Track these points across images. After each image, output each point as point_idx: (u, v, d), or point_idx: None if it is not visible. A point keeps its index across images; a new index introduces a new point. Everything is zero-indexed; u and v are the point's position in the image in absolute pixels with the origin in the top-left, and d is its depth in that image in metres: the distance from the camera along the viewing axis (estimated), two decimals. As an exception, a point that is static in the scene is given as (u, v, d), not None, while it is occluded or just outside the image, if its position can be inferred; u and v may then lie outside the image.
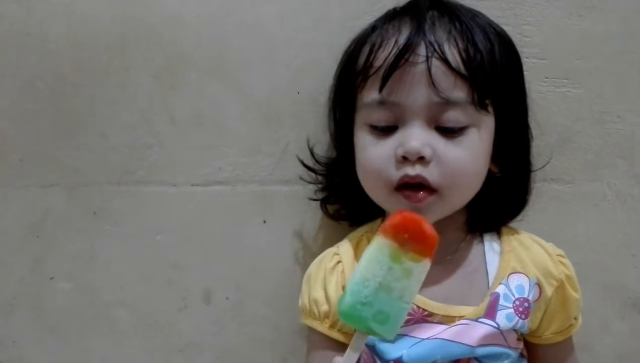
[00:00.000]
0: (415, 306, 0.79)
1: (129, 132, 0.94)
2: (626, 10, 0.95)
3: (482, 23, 0.81)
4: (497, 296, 0.80)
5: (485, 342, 0.79)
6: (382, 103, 0.78)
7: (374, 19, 0.85)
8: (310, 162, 0.92)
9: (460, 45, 0.77)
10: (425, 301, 0.80)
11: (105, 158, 0.94)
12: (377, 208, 0.86)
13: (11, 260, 0.94)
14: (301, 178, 0.94)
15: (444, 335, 0.79)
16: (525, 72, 0.86)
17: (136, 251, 0.95)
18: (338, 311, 0.71)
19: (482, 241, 0.85)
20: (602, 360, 0.98)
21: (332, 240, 0.90)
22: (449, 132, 0.77)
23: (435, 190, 0.77)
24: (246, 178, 0.95)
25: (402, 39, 0.78)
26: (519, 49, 0.85)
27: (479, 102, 0.77)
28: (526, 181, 0.87)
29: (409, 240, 0.68)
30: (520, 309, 0.80)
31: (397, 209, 0.78)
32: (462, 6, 0.83)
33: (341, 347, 0.81)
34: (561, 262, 0.83)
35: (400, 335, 0.79)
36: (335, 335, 0.83)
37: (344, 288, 0.82)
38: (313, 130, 0.93)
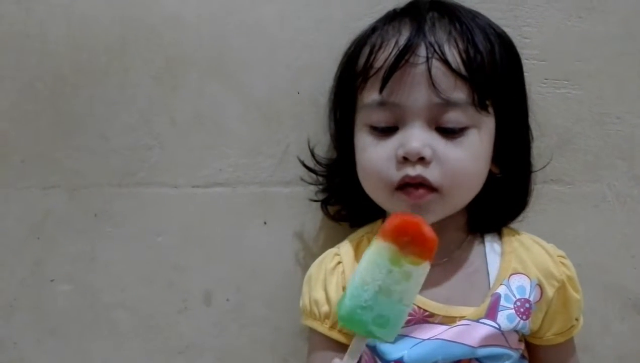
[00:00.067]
0: (416, 307, 0.79)
1: (129, 134, 0.94)
2: (626, 11, 0.95)
3: (482, 24, 0.81)
4: (498, 297, 0.80)
5: (486, 342, 0.79)
6: (382, 104, 0.78)
7: (374, 20, 0.85)
8: (310, 163, 0.92)
9: (461, 46, 0.77)
10: (426, 302, 0.80)
11: (105, 159, 0.94)
12: (378, 209, 0.86)
13: (12, 262, 0.94)
14: (302, 179, 0.94)
15: (445, 336, 0.79)
16: (525, 74, 0.86)
17: (137, 253, 0.95)
18: (337, 315, 0.71)
19: (483, 242, 0.85)
20: (603, 361, 0.98)
21: (333, 241, 0.90)
22: (450, 133, 0.77)
23: (436, 189, 0.77)
24: (247, 180, 0.95)
25: (403, 40, 0.78)
26: (519, 50, 0.85)
27: (479, 103, 0.77)
28: (527, 182, 0.87)
29: (408, 242, 0.68)
30: (522, 310, 0.80)
31: (397, 208, 0.79)
32: (462, 7, 0.83)
33: (342, 348, 0.81)
34: (562, 263, 0.83)
35: (401, 336, 0.79)
36: (335, 335, 0.83)
37: (344, 288, 0.82)
38: (313, 131, 0.93)
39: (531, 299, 0.81)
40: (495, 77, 0.79)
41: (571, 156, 0.96)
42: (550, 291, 0.82)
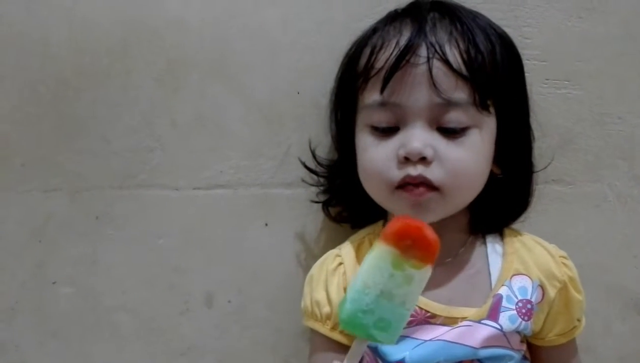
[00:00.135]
0: (417, 308, 0.79)
1: (130, 136, 0.94)
2: (626, 12, 0.95)
3: (483, 24, 0.81)
4: (499, 298, 0.80)
5: (488, 343, 0.78)
6: (383, 104, 0.79)
7: (375, 21, 0.85)
8: (312, 164, 0.92)
9: (462, 46, 0.77)
10: (427, 303, 0.80)
11: (107, 162, 0.94)
12: (379, 210, 0.86)
13: (13, 265, 0.94)
14: (303, 181, 0.94)
15: (447, 337, 0.79)
16: (526, 74, 0.86)
17: (138, 256, 0.95)
18: (338, 318, 0.70)
19: (484, 243, 0.85)
20: (604, 361, 0.98)
21: (334, 243, 0.90)
22: (451, 132, 0.77)
23: (437, 188, 0.77)
24: (248, 181, 0.95)
25: (403, 41, 0.78)
26: (520, 50, 0.85)
27: (481, 103, 0.78)
28: (528, 183, 0.87)
29: (410, 246, 0.67)
30: (523, 311, 0.80)
31: (398, 207, 0.79)
32: (463, 8, 0.83)
33: (343, 349, 0.81)
34: (564, 264, 0.83)
35: (403, 337, 0.79)
36: (337, 336, 0.83)
37: (345, 289, 0.82)
38: (315, 132, 0.93)
39: (533, 300, 0.81)
40: (496, 77, 0.79)
41: (572, 156, 0.96)
42: (552, 292, 0.82)
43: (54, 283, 0.95)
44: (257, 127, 0.94)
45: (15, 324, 0.95)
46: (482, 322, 0.79)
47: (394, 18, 0.83)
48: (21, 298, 0.95)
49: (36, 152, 0.94)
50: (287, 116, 0.94)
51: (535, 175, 0.89)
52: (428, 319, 0.80)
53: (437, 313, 0.80)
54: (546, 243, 0.85)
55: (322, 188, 0.93)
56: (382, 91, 0.78)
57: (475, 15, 0.82)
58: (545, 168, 0.92)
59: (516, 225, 0.88)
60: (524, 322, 0.80)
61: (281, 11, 0.94)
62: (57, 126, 0.93)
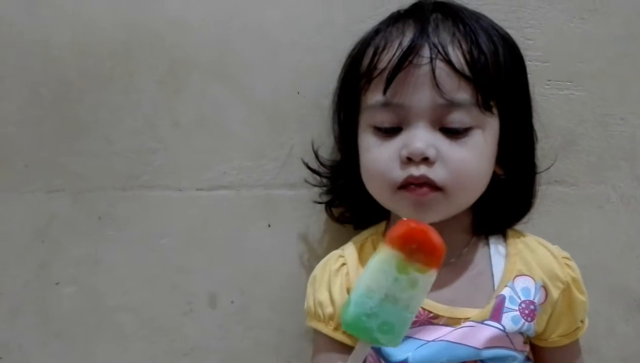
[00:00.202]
0: (420, 309, 0.79)
1: (133, 137, 0.94)
2: (628, 13, 0.95)
3: (485, 25, 0.81)
4: (502, 298, 0.80)
5: (491, 344, 0.78)
6: (386, 105, 0.79)
7: (378, 22, 0.86)
8: (314, 165, 0.92)
9: (464, 47, 0.78)
10: (430, 304, 0.80)
11: (109, 163, 0.94)
12: (382, 211, 0.86)
13: (16, 265, 0.94)
14: (306, 181, 0.94)
15: (450, 337, 0.79)
16: (528, 75, 0.86)
17: (141, 256, 0.95)
18: (342, 322, 0.70)
19: (487, 244, 0.85)
20: (607, 362, 0.98)
21: (337, 243, 0.90)
22: (454, 133, 0.77)
23: (440, 188, 0.77)
24: (251, 182, 0.95)
25: (406, 41, 0.78)
26: (522, 51, 0.86)
27: (483, 104, 0.78)
28: (531, 184, 0.87)
29: (416, 250, 0.67)
30: (526, 312, 0.80)
31: (400, 206, 0.79)
32: (465, 9, 0.83)
33: (346, 349, 0.81)
34: (567, 265, 0.83)
35: (406, 337, 0.78)
36: (340, 337, 0.82)
37: (348, 290, 0.83)
38: (317, 133, 0.93)
39: (536, 301, 0.81)
40: (499, 78, 0.79)
41: (575, 158, 0.96)
42: (555, 293, 0.82)
43: (56, 283, 0.95)
44: (260, 128, 0.94)
45: (18, 324, 0.95)
46: (485, 322, 0.79)
47: (396, 19, 0.83)
48: (24, 298, 0.95)
49: (39, 153, 0.94)
50: (289, 116, 0.94)
51: (538, 176, 0.89)
52: (431, 320, 0.80)
53: (440, 313, 0.80)
54: (549, 244, 0.85)
55: (324, 188, 0.93)
56: (385, 91, 0.78)
57: (478, 17, 0.83)
58: (548, 169, 0.92)
59: (519, 226, 0.88)
60: (527, 323, 0.80)
61: (281, 11, 0.94)
62: (60, 128, 0.94)
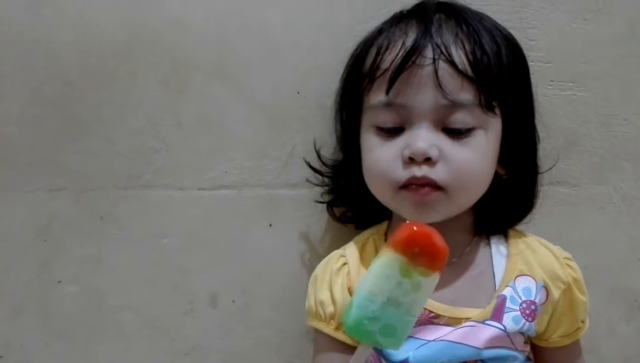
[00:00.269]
0: (421, 309, 0.79)
1: (135, 137, 0.94)
2: (631, 13, 0.95)
3: (488, 26, 0.81)
4: (503, 298, 0.80)
5: (491, 344, 0.78)
6: (388, 105, 0.79)
7: (381, 22, 0.86)
8: (316, 164, 0.92)
9: (467, 47, 0.78)
10: (431, 303, 0.80)
11: (111, 162, 0.94)
12: (384, 211, 0.86)
13: (18, 264, 0.94)
14: (308, 181, 0.94)
15: (451, 337, 0.79)
16: (530, 76, 0.86)
17: (142, 255, 0.95)
18: (344, 325, 0.70)
19: (489, 244, 0.86)
20: (608, 363, 0.98)
21: (339, 243, 0.90)
22: (456, 133, 0.78)
23: (442, 188, 0.77)
24: (252, 182, 0.95)
25: (409, 42, 0.78)
26: (525, 52, 0.85)
27: (486, 104, 0.78)
28: (533, 184, 0.87)
29: (419, 253, 0.66)
30: (527, 312, 0.80)
31: (402, 206, 0.80)
32: (468, 9, 0.83)
33: (347, 348, 0.81)
34: (568, 265, 0.83)
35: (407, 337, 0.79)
36: (341, 336, 0.82)
37: (349, 290, 0.83)
38: (319, 133, 0.93)
39: (537, 301, 0.81)
40: (502, 78, 0.79)
41: (577, 158, 0.96)
42: (556, 293, 0.82)
43: (58, 282, 0.95)
44: (261, 128, 0.94)
45: (20, 323, 0.95)
46: (486, 322, 0.79)
47: (399, 19, 0.83)
48: (26, 298, 0.95)
49: (41, 152, 0.94)
50: (291, 116, 0.94)
51: (540, 177, 0.89)
52: (432, 319, 0.80)
53: (441, 313, 0.80)
54: (550, 245, 0.85)
55: (326, 188, 0.93)
56: (387, 91, 0.78)
57: (481, 17, 0.83)
58: (550, 169, 0.92)
59: (521, 226, 0.88)
60: (527, 323, 0.80)
61: (283, 11, 0.94)
62: (62, 127, 0.94)
